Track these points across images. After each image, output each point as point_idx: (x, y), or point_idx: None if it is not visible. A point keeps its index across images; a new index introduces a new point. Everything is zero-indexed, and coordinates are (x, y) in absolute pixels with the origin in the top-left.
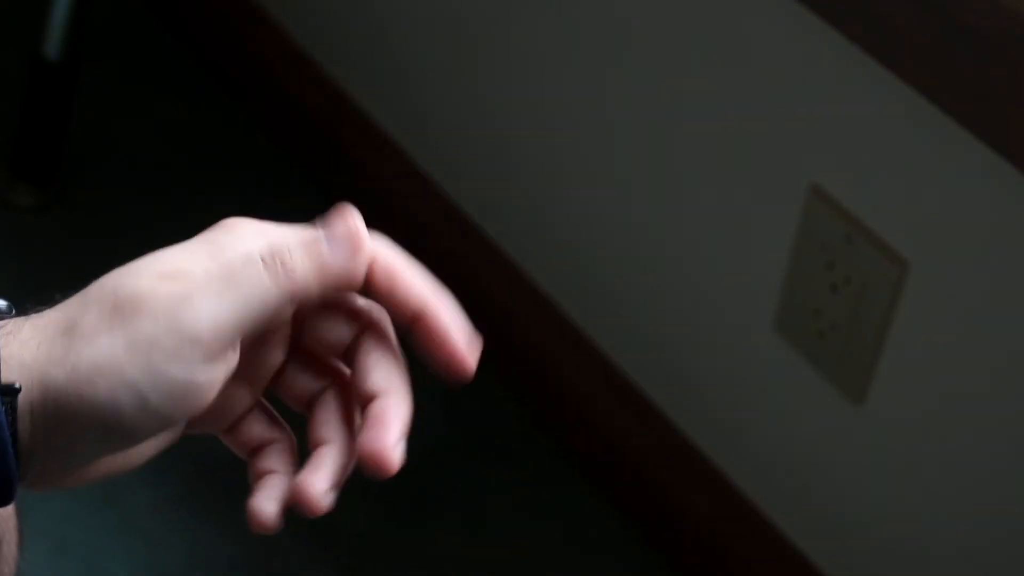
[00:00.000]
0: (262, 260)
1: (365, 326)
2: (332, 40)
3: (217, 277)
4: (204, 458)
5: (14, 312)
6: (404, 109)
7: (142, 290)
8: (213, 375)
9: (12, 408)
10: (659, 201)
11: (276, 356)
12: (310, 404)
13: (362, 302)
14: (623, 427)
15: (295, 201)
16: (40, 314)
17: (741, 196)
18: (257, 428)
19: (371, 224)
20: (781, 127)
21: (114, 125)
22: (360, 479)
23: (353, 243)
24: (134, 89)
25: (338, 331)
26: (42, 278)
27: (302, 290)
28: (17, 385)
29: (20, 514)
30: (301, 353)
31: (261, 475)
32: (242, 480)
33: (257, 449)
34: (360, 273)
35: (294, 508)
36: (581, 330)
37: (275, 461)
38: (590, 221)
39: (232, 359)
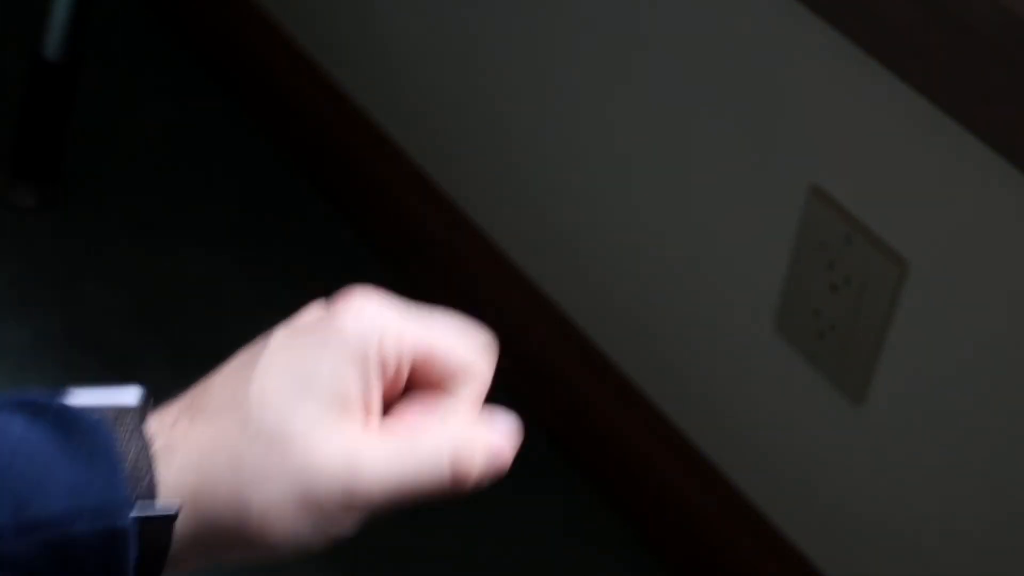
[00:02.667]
0: (451, 471)
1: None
2: (332, 41)
3: (399, 475)
4: None
5: (150, 402)
6: (404, 109)
7: (319, 461)
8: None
9: (167, 532)
10: (659, 201)
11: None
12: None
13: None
14: (623, 427)
15: (295, 201)
16: (192, 424)
17: (741, 196)
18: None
19: (372, 223)
20: (781, 127)
21: (114, 125)
22: None
23: (504, 465)
24: (134, 89)
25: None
26: (42, 278)
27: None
28: (175, 511)
29: None
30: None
31: None
32: None
33: None
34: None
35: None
36: (581, 330)
37: None
38: (590, 221)
39: None
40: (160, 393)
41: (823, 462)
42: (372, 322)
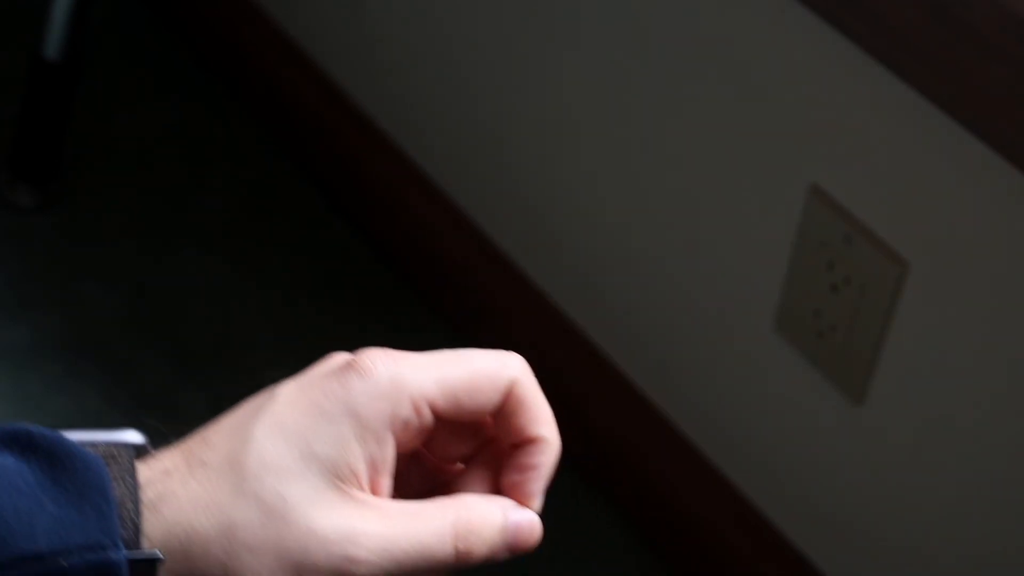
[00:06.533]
0: (454, 549)
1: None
2: (331, 40)
3: (397, 556)
4: None
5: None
6: (402, 108)
7: (316, 538)
8: None
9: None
10: (659, 202)
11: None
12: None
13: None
14: (623, 427)
15: (295, 201)
16: (187, 477)
17: (741, 196)
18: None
19: (370, 222)
20: (781, 127)
21: (114, 125)
22: None
23: (529, 543)
24: (134, 89)
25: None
26: (42, 278)
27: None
28: (161, 556)
29: None
30: (448, 422)
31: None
32: None
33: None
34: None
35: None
36: (581, 330)
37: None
38: (590, 222)
39: None
40: (160, 394)
41: (823, 462)
42: (388, 389)
